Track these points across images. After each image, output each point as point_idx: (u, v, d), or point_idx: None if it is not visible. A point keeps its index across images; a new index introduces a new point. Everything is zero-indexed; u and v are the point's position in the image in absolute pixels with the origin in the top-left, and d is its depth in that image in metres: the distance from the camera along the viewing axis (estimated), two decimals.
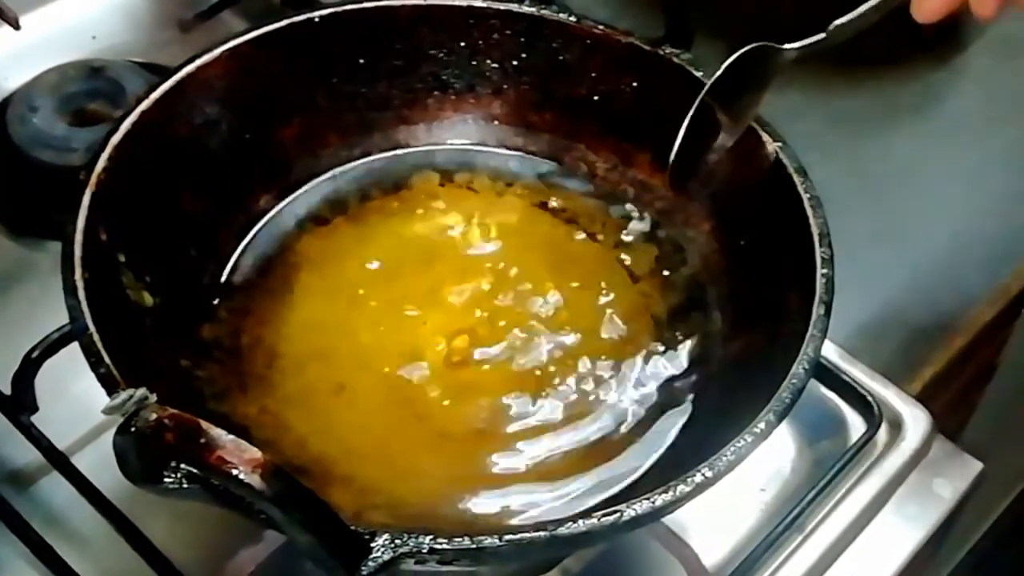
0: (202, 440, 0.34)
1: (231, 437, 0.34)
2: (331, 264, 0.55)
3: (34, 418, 0.55)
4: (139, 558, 0.50)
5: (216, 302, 0.52)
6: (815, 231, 0.48)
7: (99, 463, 0.53)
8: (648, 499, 0.40)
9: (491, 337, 0.53)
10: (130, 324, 0.46)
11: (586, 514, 0.40)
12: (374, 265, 0.55)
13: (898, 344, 0.64)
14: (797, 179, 0.50)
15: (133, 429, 0.34)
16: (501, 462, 0.49)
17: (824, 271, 0.47)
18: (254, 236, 0.55)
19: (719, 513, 0.55)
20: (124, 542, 0.51)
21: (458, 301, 0.54)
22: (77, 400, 0.52)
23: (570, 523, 0.39)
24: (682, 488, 0.40)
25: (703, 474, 0.41)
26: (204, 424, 0.34)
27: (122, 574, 0.51)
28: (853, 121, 0.78)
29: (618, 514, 0.39)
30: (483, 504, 0.47)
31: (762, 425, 0.42)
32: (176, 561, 0.50)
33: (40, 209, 0.64)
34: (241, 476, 0.33)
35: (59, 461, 0.54)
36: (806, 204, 0.49)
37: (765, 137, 0.52)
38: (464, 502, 0.47)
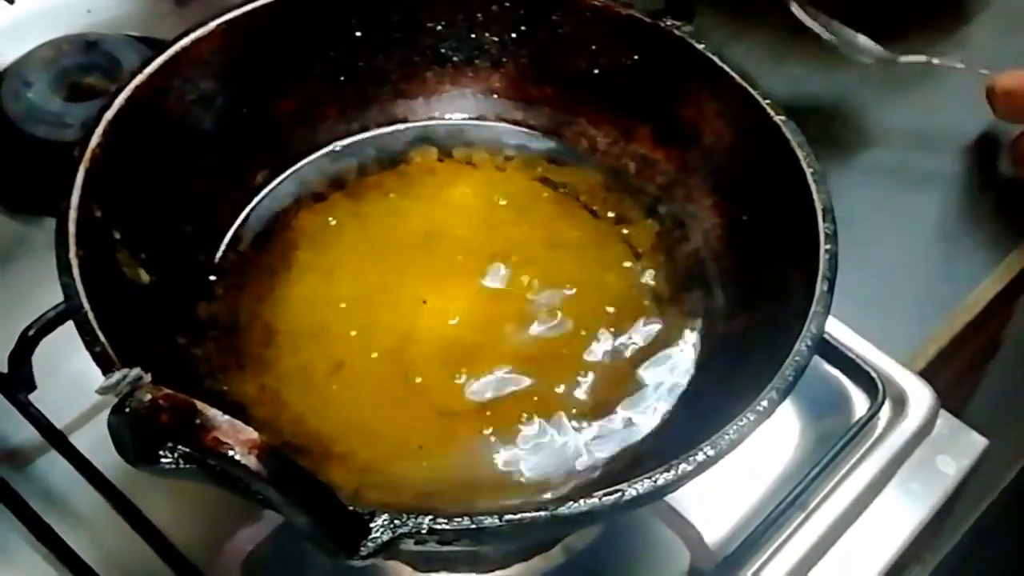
0: (197, 421, 0.33)
1: (227, 418, 0.34)
2: (329, 241, 0.54)
3: (31, 396, 0.55)
4: (138, 537, 0.50)
5: (213, 279, 0.52)
6: (818, 206, 0.48)
7: (97, 442, 0.52)
8: (649, 478, 0.39)
9: (491, 313, 0.52)
10: (126, 302, 0.46)
11: (587, 493, 0.39)
12: (372, 242, 0.54)
13: (902, 320, 0.64)
14: (800, 153, 0.49)
15: (127, 410, 0.34)
16: (501, 439, 0.48)
17: (827, 247, 0.47)
18: (251, 212, 0.54)
19: (722, 491, 0.55)
20: (123, 521, 0.51)
21: (457, 277, 0.53)
22: (75, 378, 0.51)
23: (571, 503, 0.39)
24: (684, 467, 0.40)
25: (705, 453, 0.40)
26: (199, 405, 0.34)
27: (121, 553, 0.51)
28: (855, 95, 0.77)
29: (619, 493, 0.39)
30: (483, 482, 0.47)
31: (765, 403, 0.42)
32: (175, 540, 0.50)
33: (36, 185, 0.63)
34: (237, 457, 0.33)
35: (57, 440, 0.54)
36: (809, 179, 0.48)
37: (768, 110, 0.51)
38: (465, 482, 0.47)
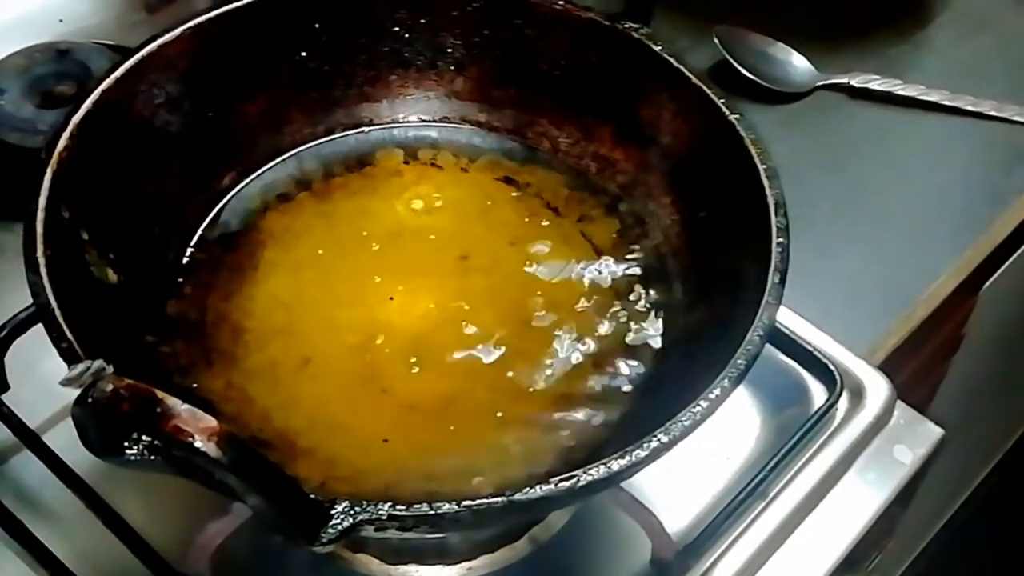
0: (158, 410, 0.34)
1: (187, 406, 0.35)
2: (296, 240, 0.55)
3: (4, 397, 0.56)
4: (110, 533, 0.51)
5: (181, 279, 0.53)
6: (771, 201, 0.49)
7: (70, 441, 0.51)
8: (604, 464, 0.40)
9: (456, 311, 0.53)
10: (94, 301, 0.46)
11: (544, 480, 0.40)
12: (339, 241, 0.55)
13: (861, 315, 0.65)
14: (754, 150, 0.50)
15: (90, 400, 0.34)
16: (465, 433, 0.49)
17: (779, 240, 0.47)
18: (218, 213, 0.55)
19: (684, 481, 0.56)
20: (95, 518, 0.51)
21: (423, 276, 0.54)
22: (48, 379, 0.51)
23: (527, 489, 0.39)
24: (638, 453, 0.41)
25: (659, 439, 0.41)
26: (160, 393, 0.35)
27: (94, 550, 0.52)
28: (816, 95, 0.78)
29: (575, 479, 0.40)
30: (448, 475, 0.48)
31: (717, 391, 0.43)
32: (148, 536, 0.51)
33: (8, 191, 0.64)
34: (197, 444, 0.34)
35: (30, 440, 0.54)
36: (762, 175, 0.49)
37: (723, 109, 0.52)
38: (429, 473, 0.48)
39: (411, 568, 0.53)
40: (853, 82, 0.77)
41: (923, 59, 0.81)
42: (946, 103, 0.76)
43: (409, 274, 0.54)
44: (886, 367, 0.62)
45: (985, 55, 0.81)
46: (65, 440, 0.54)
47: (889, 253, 0.69)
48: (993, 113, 0.76)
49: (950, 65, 0.80)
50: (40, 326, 0.43)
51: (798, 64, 0.79)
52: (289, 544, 0.38)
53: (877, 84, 0.77)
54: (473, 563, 0.54)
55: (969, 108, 0.76)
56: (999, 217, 0.72)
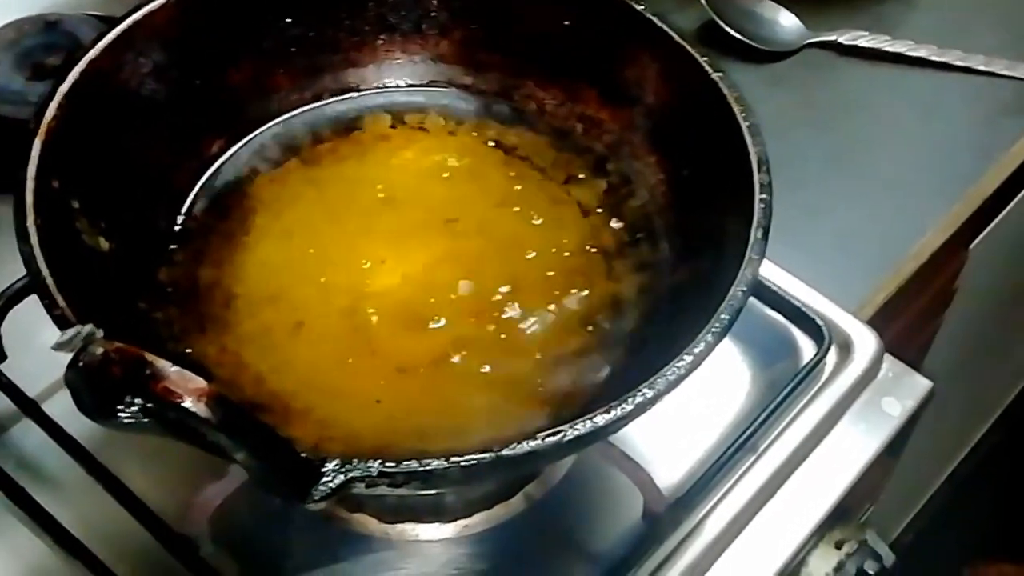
0: (147, 371, 0.35)
1: (176, 368, 0.35)
2: (285, 206, 0.56)
3: (3, 367, 0.56)
4: (110, 498, 0.52)
5: (172, 246, 0.53)
6: (753, 158, 0.49)
7: (70, 409, 0.53)
8: (590, 419, 0.41)
9: (447, 272, 0.53)
10: (86, 269, 0.47)
11: (531, 435, 0.41)
12: (328, 206, 0.56)
13: (851, 271, 0.66)
14: (736, 108, 0.50)
15: (81, 364, 0.35)
16: (457, 394, 0.50)
17: (762, 196, 0.48)
18: (208, 180, 0.56)
19: (674, 437, 0.57)
20: (95, 483, 0.52)
21: (413, 239, 0.55)
22: (46, 348, 0.52)
23: (515, 444, 0.40)
24: (623, 408, 0.41)
25: (643, 393, 0.42)
26: (149, 356, 0.35)
27: (96, 515, 0.53)
28: (804, 53, 0.79)
29: (561, 434, 0.40)
30: (440, 435, 0.48)
31: (701, 345, 0.43)
32: (147, 500, 0.52)
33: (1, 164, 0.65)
34: (187, 405, 0.35)
35: (30, 408, 0.55)
36: (745, 131, 0.50)
37: (706, 68, 0.53)
38: (421, 433, 0.48)
39: (408, 526, 0.54)
40: (841, 39, 0.78)
41: (911, 15, 0.81)
42: (934, 58, 0.76)
43: (398, 238, 0.55)
44: (876, 322, 0.63)
45: (973, 10, 0.81)
46: (64, 408, 0.54)
47: (878, 209, 0.70)
48: (981, 68, 0.77)
49: (938, 20, 0.80)
50: (37, 296, 0.44)
51: (786, 23, 0.79)
52: (284, 503, 0.39)
53: (865, 41, 0.77)
54: (469, 520, 0.55)
55: (957, 63, 0.77)
56: (987, 171, 0.72)
